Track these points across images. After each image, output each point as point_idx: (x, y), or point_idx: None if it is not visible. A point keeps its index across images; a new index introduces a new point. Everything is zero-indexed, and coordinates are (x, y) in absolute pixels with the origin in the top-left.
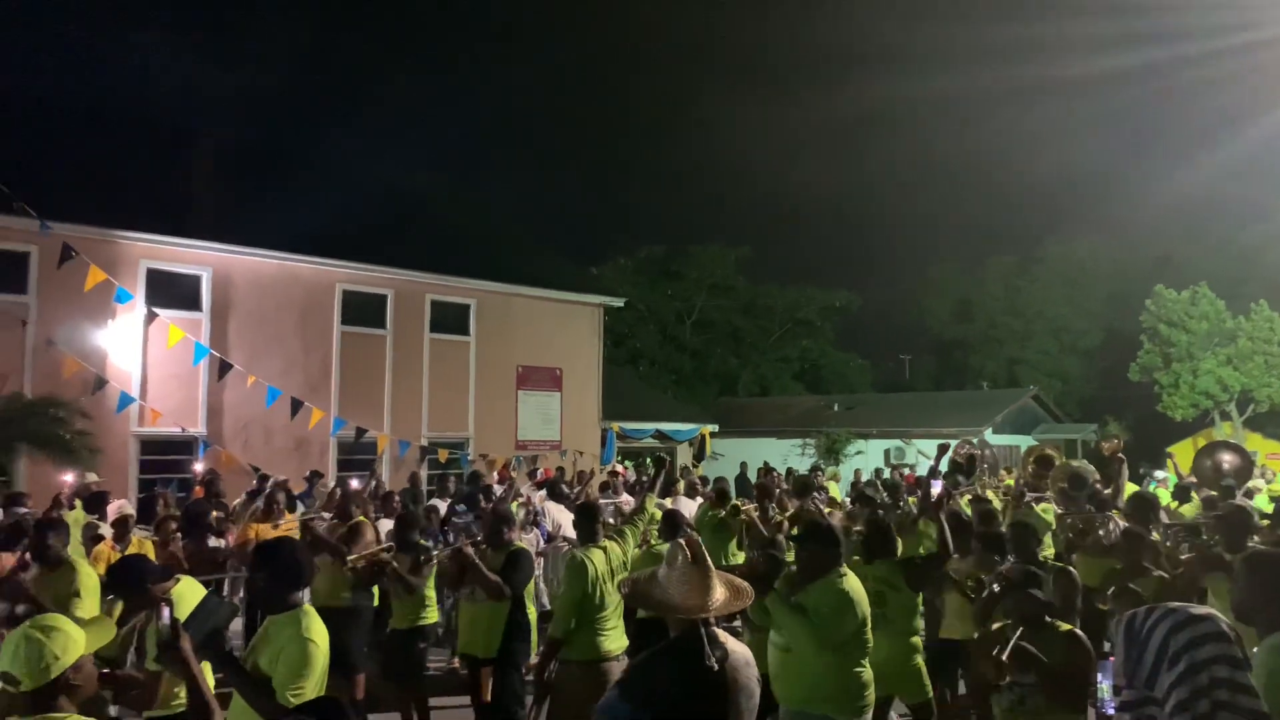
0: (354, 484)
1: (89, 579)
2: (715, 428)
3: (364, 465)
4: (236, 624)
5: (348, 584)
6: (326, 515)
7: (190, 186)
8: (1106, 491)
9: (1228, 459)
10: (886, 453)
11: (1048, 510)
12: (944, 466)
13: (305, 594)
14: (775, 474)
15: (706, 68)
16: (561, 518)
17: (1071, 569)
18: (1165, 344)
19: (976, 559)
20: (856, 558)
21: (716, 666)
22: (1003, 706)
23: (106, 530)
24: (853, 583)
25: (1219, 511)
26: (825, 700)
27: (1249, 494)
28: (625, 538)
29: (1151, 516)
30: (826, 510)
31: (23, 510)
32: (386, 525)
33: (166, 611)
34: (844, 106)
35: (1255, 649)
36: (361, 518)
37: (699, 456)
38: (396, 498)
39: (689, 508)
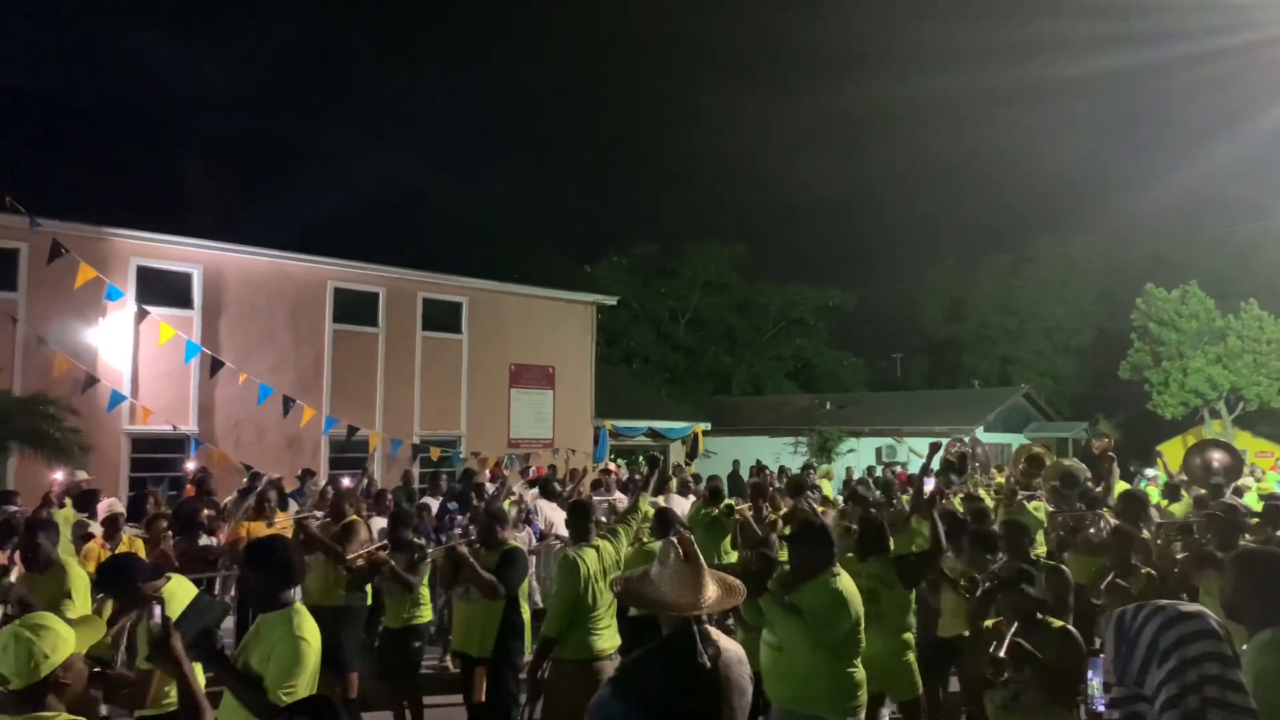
0: (346, 482)
1: (80, 580)
2: (708, 426)
3: (356, 463)
4: (228, 623)
5: (342, 583)
6: (318, 514)
7: (181, 183)
8: (1097, 490)
9: (1218, 457)
10: (878, 451)
11: (1039, 509)
12: (936, 465)
13: (297, 592)
14: (768, 472)
15: (706, 67)
16: (554, 516)
17: (1064, 567)
18: (1155, 343)
19: (968, 557)
20: (850, 555)
21: (709, 664)
22: (996, 703)
23: (97, 528)
24: (846, 582)
25: (1210, 510)
26: (817, 700)
27: (1238, 492)
28: (618, 536)
29: (1142, 514)
30: (820, 509)
31: (13, 509)
32: (379, 523)
33: (158, 610)
34: (840, 106)
35: (1244, 646)
36: (354, 516)
37: (692, 455)
38: (389, 496)
39: (682, 506)
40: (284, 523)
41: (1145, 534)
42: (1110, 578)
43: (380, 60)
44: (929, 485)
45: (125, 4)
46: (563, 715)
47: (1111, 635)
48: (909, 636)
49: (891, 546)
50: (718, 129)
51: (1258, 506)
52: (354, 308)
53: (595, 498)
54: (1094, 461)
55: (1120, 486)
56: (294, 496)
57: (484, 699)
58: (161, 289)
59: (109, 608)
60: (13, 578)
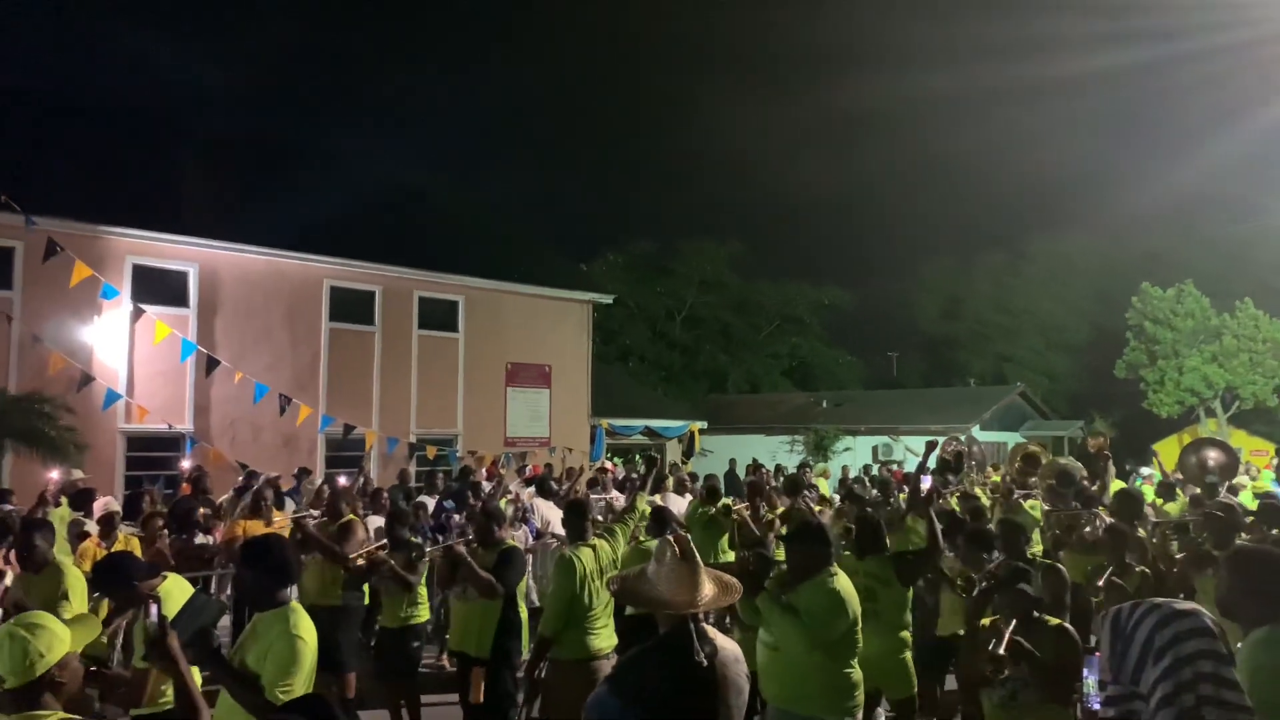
0: (342, 481)
1: (77, 582)
2: (704, 424)
3: (352, 462)
4: (224, 621)
5: (339, 582)
6: (315, 512)
7: (177, 182)
8: (1093, 488)
9: (1214, 456)
10: (874, 449)
11: (1035, 507)
12: (932, 463)
13: (293, 591)
14: (764, 470)
15: (705, 66)
16: (550, 514)
17: (1060, 566)
18: (1151, 341)
19: (963, 556)
20: (848, 553)
21: (705, 662)
22: (994, 701)
23: (92, 527)
24: (844, 582)
25: (1208, 509)
26: (813, 700)
27: (1233, 490)
28: (615, 536)
29: (1137, 513)
30: (817, 508)
31: (8, 507)
32: (375, 522)
33: (154, 609)
34: (837, 105)
35: (1239, 644)
36: (351, 515)
37: (688, 453)
38: (385, 494)
39: (678, 504)
40: (282, 522)
41: (1141, 533)
42: (1108, 574)
43: (380, 60)
44: (926, 483)
45: (123, 3)
46: (560, 715)
47: (1107, 633)
48: (906, 635)
49: (889, 545)
50: (716, 128)
51: (1252, 505)
52: (350, 306)
53: (592, 496)
54: (1089, 460)
55: (1116, 485)
56: (290, 495)
57: (483, 699)
58: (157, 287)
59: (105, 607)
60: (8, 580)
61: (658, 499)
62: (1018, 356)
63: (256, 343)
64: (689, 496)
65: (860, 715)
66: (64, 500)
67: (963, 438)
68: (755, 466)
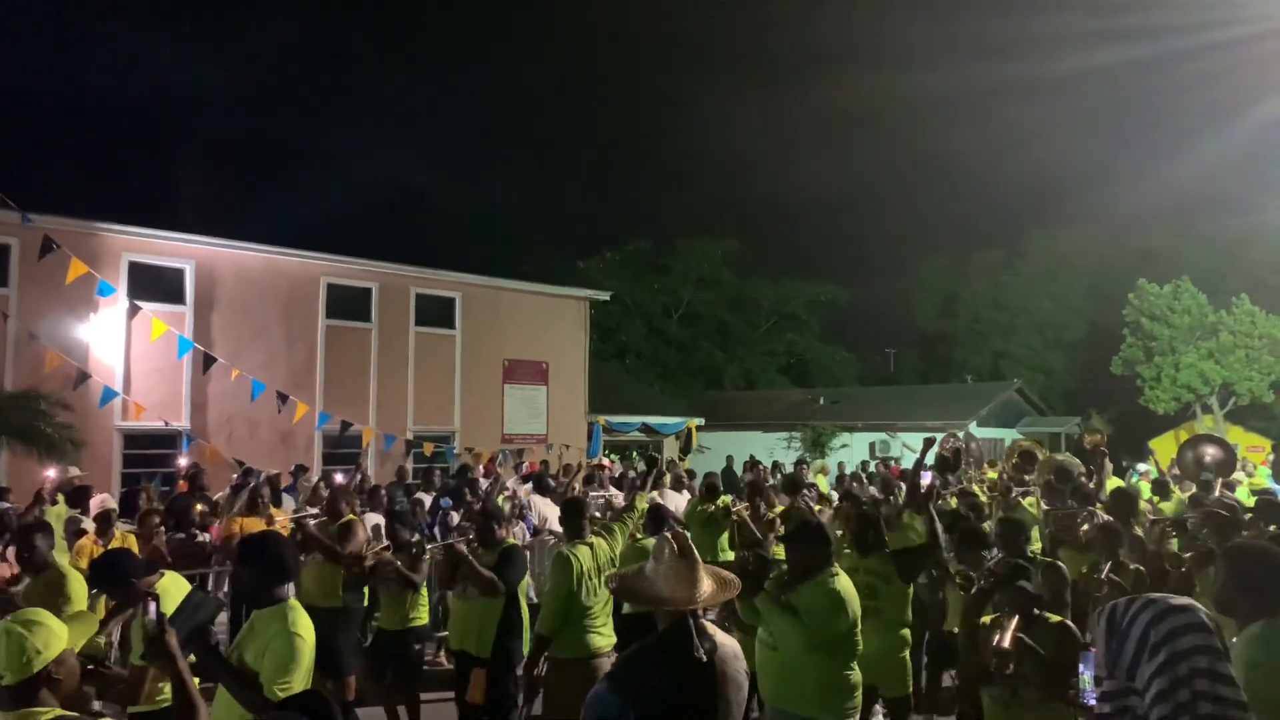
0: (339, 478)
1: (77, 585)
2: (701, 421)
3: (349, 459)
4: (222, 618)
5: (340, 583)
6: (314, 511)
7: (173, 179)
8: (1090, 485)
9: (1211, 452)
10: (871, 446)
11: (1032, 504)
12: (930, 460)
13: (291, 589)
14: (761, 467)
15: (704, 65)
16: (547, 511)
17: (1060, 563)
18: (1147, 338)
19: (959, 554)
20: (849, 551)
21: (705, 659)
22: (994, 698)
23: (89, 525)
24: (844, 582)
25: (1208, 507)
26: (811, 700)
27: (1229, 487)
28: (613, 534)
29: (1132, 511)
30: (817, 507)
31: (5, 505)
32: (373, 519)
33: (152, 607)
34: (834, 104)
35: (1235, 639)
36: (351, 515)
37: (685, 450)
38: (383, 491)
39: (676, 501)
40: (282, 522)
41: (1137, 530)
42: (1106, 570)
43: (380, 60)
44: (926, 479)
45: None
46: (560, 714)
47: (1103, 629)
48: (906, 633)
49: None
50: (715, 128)
51: (1249, 501)
52: (347, 303)
53: (590, 493)
54: (1086, 456)
55: (1113, 482)
56: (287, 492)
57: (485, 698)
58: (154, 285)
59: (103, 604)
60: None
61: (655, 495)
62: (1014, 353)
63: (253, 340)
64: (686, 494)
65: (857, 717)
66: (61, 498)
67: (960, 434)
68: (752, 463)
